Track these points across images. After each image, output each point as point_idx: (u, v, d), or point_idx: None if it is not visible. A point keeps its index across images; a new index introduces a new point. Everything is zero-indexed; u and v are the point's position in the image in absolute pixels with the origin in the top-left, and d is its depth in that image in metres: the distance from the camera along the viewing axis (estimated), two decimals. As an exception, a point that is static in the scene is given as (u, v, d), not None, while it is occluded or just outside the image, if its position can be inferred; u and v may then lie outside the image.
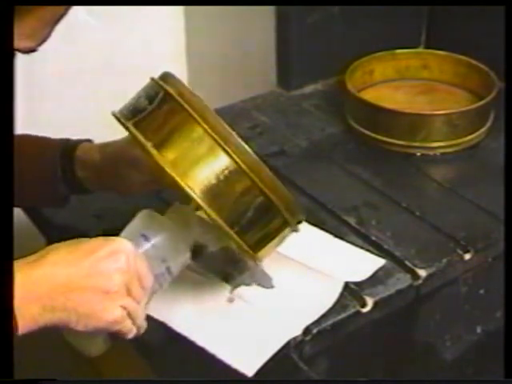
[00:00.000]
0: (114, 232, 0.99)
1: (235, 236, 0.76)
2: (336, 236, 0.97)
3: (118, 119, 0.80)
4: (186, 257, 0.81)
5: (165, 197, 1.05)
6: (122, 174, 0.90)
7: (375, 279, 0.91)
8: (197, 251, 0.95)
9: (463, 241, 0.96)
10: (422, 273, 0.92)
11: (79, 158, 0.92)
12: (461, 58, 1.25)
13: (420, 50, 1.34)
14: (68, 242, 0.73)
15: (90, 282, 0.69)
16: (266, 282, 0.90)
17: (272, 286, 0.90)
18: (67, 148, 0.92)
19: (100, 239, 0.73)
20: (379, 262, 0.93)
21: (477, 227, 1.00)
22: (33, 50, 0.72)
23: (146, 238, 0.77)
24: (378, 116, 1.15)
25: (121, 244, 0.73)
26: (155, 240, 0.78)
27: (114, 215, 1.02)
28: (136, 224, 0.80)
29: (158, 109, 0.77)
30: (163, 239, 0.78)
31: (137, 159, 0.88)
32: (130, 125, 0.78)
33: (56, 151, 0.92)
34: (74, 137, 1.28)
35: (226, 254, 0.94)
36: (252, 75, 1.33)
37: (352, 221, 1.00)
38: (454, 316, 1.01)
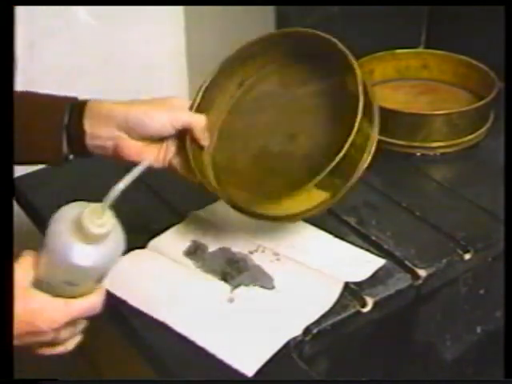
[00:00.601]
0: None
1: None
2: (336, 236, 0.97)
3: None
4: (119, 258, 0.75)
5: (165, 196, 1.05)
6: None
7: (375, 279, 0.91)
8: (196, 251, 0.95)
9: (463, 241, 0.97)
10: (422, 273, 0.92)
11: (92, 108, 0.88)
12: (461, 58, 1.25)
13: (420, 50, 1.34)
14: None
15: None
16: (266, 282, 0.90)
17: (273, 287, 0.90)
18: (79, 102, 0.89)
19: (22, 312, 0.72)
20: (379, 261, 0.93)
21: (477, 227, 1.00)
22: None
23: (71, 284, 0.73)
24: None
25: (41, 324, 0.72)
26: (81, 282, 0.73)
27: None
28: (55, 271, 0.73)
29: None
30: (90, 277, 0.73)
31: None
32: None
33: (66, 103, 0.88)
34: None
35: (225, 253, 0.94)
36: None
37: (352, 221, 1.00)
38: (454, 316, 1.01)
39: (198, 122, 0.89)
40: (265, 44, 0.94)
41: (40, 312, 0.72)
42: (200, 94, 0.92)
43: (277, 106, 0.95)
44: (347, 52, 0.89)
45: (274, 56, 0.94)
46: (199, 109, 0.91)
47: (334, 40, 0.90)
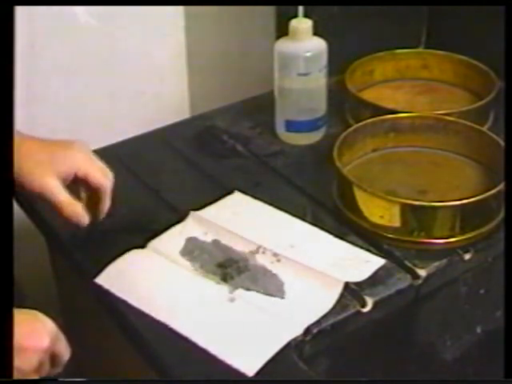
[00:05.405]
0: (114, 233, 0.99)
1: None
2: (336, 236, 0.97)
3: None
4: None
5: (165, 196, 1.05)
6: None
7: (375, 279, 0.91)
8: (196, 251, 0.95)
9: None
10: (422, 273, 0.92)
11: None
12: (461, 57, 1.25)
13: (420, 50, 1.34)
14: None
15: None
16: (273, 288, 0.90)
17: (283, 296, 0.89)
18: None
19: (28, 313, 0.73)
20: (379, 261, 0.93)
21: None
22: None
23: None
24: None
25: (47, 324, 0.73)
26: None
27: (113, 215, 1.02)
28: None
29: None
30: None
31: None
32: None
33: None
34: (73, 136, 1.28)
35: (225, 253, 0.94)
36: (252, 75, 1.33)
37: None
38: (454, 316, 1.01)
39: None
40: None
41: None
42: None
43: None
44: None
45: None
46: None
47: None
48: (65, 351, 0.76)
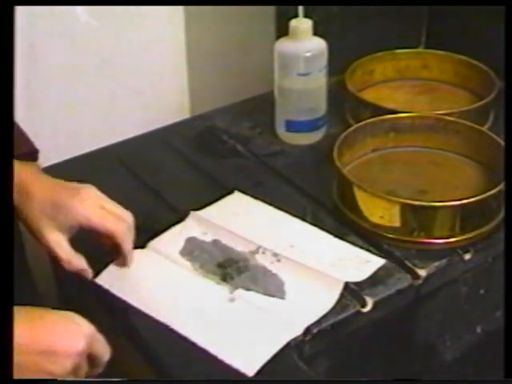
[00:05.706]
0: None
1: None
2: (336, 236, 0.97)
3: None
4: None
5: (165, 196, 1.05)
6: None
7: (375, 279, 0.91)
8: (196, 251, 0.95)
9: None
10: (422, 273, 0.92)
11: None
12: (461, 57, 1.25)
13: (420, 50, 1.34)
14: (31, 310, 0.71)
15: (41, 361, 0.68)
16: (273, 288, 0.90)
17: (283, 296, 0.89)
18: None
19: (63, 314, 0.73)
20: (379, 261, 0.93)
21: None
22: None
23: None
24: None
25: (83, 326, 0.72)
26: None
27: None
28: None
29: None
30: None
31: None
32: None
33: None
34: (73, 136, 1.28)
35: (225, 254, 0.94)
36: (252, 75, 1.33)
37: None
38: (454, 316, 1.01)
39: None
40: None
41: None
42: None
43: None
44: None
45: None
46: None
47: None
48: (103, 351, 0.75)
